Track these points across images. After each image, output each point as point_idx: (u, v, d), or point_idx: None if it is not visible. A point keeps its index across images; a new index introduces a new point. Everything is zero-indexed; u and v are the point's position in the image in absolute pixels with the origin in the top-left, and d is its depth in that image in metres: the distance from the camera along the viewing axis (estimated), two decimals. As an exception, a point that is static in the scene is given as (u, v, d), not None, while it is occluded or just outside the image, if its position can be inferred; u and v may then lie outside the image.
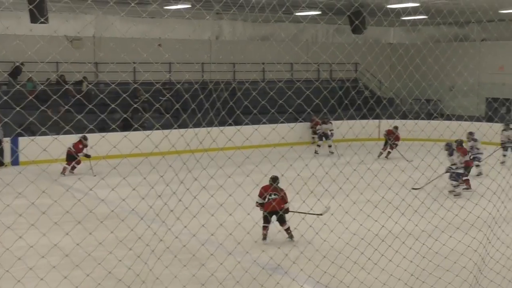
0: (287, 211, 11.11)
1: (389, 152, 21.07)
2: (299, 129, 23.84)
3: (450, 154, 15.25)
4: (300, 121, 8.54)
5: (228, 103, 8.15)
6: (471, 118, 22.65)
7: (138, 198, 7.05)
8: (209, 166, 7.43)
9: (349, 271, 8.50)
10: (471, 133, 17.72)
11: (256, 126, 7.98)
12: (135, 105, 7.63)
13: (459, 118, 13.81)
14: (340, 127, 22.04)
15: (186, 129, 7.81)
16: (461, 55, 13.82)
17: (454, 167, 15.20)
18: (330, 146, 21.16)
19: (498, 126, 19.98)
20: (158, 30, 23.20)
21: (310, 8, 19.86)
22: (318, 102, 8.16)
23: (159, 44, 21.13)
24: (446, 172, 15.33)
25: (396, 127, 20.63)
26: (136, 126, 7.30)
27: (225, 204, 7.58)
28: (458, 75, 21.41)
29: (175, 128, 7.53)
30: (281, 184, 8.66)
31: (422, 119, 11.45)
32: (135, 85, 14.15)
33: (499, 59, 27.45)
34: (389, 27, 30.39)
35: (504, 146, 19.67)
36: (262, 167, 8.36)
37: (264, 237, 11.04)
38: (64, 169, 17.39)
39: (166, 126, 8.70)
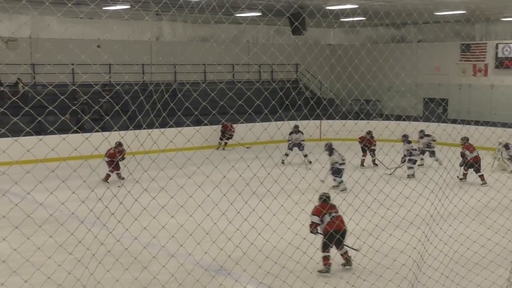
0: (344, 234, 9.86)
1: (373, 160, 20.05)
2: (240, 131, 23.90)
3: (330, 154, 15.41)
4: (242, 123, 8.55)
5: (168, 104, 8.08)
6: (409, 118, 23.14)
7: (78, 202, 6.92)
8: (150, 168, 7.35)
9: (291, 271, 8.54)
10: (405, 136, 18.08)
11: (197, 128, 7.94)
12: (74, 107, 7.47)
13: (398, 118, 14.08)
14: (281, 128, 22.18)
15: (126, 131, 7.71)
16: (399, 56, 14.08)
17: (337, 164, 15.57)
18: (306, 155, 19.06)
19: (434, 126, 20.41)
20: (96, 31, 22.87)
21: (250, 9, 19.93)
22: (259, 103, 8.18)
23: (98, 45, 20.84)
24: (331, 169, 15.63)
25: (369, 132, 19.62)
26: (75, 128, 7.16)
27: (167, 206, 7.52)
28: (395, 76, 21.78)
29: (115, 130, 7.43)
30: (223, 184, 8.64)
31: (362, 119, 11.63)
32: (73, 87, 13.88)
33: (435, 60, 28.10)
34: (328, 29, 30.74)
35: (422, 151, 20.10)
36: (204, 168, 8.32)
37: (328, 268, 9.73)
38: (107, 176, 16.59)
39: (106, 128, 8.58)
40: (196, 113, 7.63)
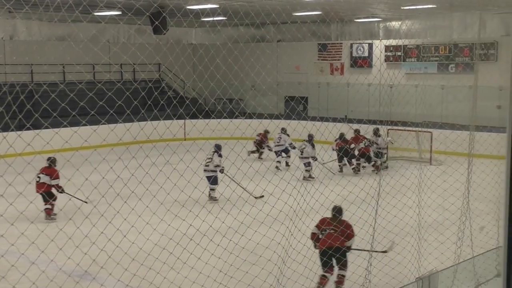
0: (348, 249, 9.31)
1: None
2: (102, 132, 23.32)
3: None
4: (103, 123, 8.28)
5: (25, 106, 7.76)
6: (270, 116, 23.65)
7: None
8: (6, 172, 7.03)
9: (158, 272, 8.48)
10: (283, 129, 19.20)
11: (56, 130, 7.67)
12: None
13: (260, 116, 14.31)
14: (145, 128, 21.93)
15: (-21, 134, 7.31)
16: (259, 55, 14.31)
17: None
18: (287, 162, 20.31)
19: (295, 123, 20.98)
20: None
21: (109, 8, 19.50)
22: (121, 103, 8.03)
23: None
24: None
25: (356, 130, 19.73)
26: None
27: (26, 212, 7.21)
28: (257, 75, 22.18)
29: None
30: (86, 187, 8.34)
31: (225, 118, 11.73)
32: None
33: (295, 59, 28.87)
34: (189, 28, 30.75)
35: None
36: (65, 171, 8.08)
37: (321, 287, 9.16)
38: (48, 211, 12.71)
39: (-43, 132, 8.10)
40: (55, 114, 7.37)
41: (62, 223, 7.89)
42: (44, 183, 12.90)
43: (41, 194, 12.70)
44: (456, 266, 8.86)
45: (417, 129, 20.99)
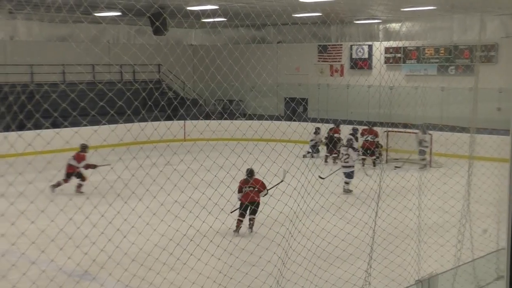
0: (257, 205, 12.02)
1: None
2: (103, 132, 23.31)
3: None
4: (104, 124, 8.31)
5: (26, 106, 7.76)
6: (271, 118, 23.67)
7: None
8: (7, 172, 7.03)
9: (158, 273, 8.48)
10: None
11: (57, 130, 7.68)
12: None
13: (260, 117, 14.32)
14: (145, 129, 21.91)
15: (-20, 134, 7.32)
16: (260, 57, 14.30)
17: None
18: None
19: (296, 125, 20.99)
20: None
21: (109, 8, 19.52)
22: (122, 104, 8.03)
23: None
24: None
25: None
26: None
27: (26, 212, 7.21)
28: (257, 76, 22.18)
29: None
30: (86, 187, 8.34)
31: (225, 119, 11.75)
32: None
33: (295, 61, 28.86)
34: (190, 29, 30.76)
35: None
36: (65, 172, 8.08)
37: (237, 228, 11.89)
38: (58, 183, 12.87)
39: (-42, 131, 8.10)
40: (55, 115, 7.38)
41: (62, 223, 7.89)
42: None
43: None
44: (456, 269, 8.84)
45: (417, 131, 21.01)
